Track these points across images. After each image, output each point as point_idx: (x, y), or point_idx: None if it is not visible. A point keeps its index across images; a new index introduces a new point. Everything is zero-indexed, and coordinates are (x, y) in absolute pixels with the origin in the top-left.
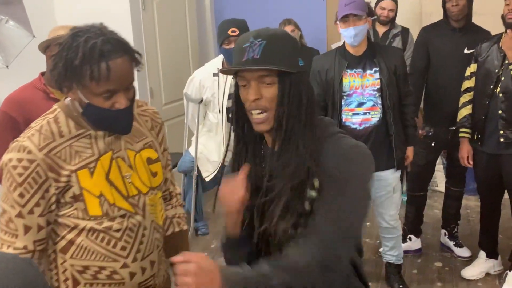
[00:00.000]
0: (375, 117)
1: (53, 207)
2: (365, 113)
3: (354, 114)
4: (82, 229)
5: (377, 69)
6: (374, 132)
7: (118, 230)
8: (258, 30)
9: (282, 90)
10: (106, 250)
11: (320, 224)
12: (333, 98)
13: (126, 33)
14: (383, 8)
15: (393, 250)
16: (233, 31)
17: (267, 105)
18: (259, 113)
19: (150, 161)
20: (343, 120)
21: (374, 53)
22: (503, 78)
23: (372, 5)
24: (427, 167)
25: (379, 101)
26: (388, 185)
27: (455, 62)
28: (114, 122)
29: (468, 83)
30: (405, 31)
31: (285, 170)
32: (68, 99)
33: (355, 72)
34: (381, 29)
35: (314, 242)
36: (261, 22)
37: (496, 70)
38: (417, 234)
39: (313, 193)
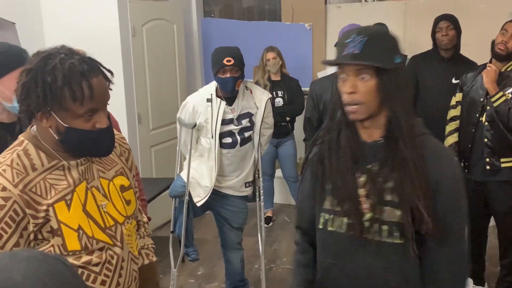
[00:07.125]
0: None
1: (32, 245)
2: None
3: None
4: None
5: None
6: None
7: (97, 264)
8: (362, 27)
9: (379, 84)
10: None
11: (452, 267)
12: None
13: (116, 59)
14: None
15: None
16: (228, 61)
17: (360, 99)
18: (353, 106)
19: (123, 188)
20: None
21: None
22: (488, 107)
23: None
24: None
25: None
26: None
27: (442, 92)
28: (96, 144)
29: (453, 112)
30: None
31: (400, 163)
32: (34, 128)
33: None
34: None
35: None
36: (246, 48)
37: (481, 99)
38: None
39: None
